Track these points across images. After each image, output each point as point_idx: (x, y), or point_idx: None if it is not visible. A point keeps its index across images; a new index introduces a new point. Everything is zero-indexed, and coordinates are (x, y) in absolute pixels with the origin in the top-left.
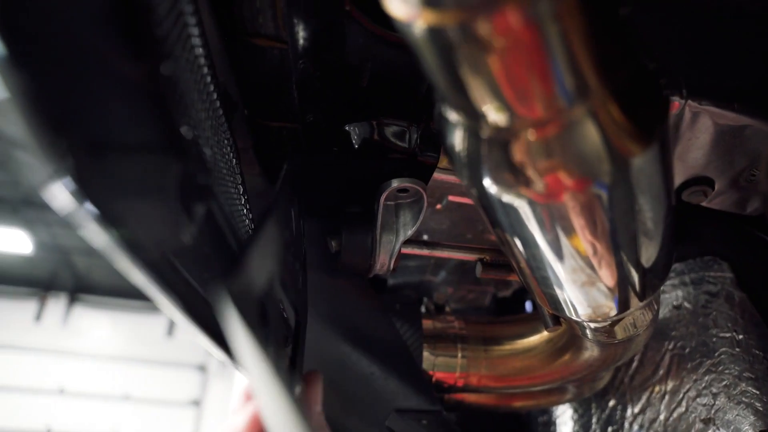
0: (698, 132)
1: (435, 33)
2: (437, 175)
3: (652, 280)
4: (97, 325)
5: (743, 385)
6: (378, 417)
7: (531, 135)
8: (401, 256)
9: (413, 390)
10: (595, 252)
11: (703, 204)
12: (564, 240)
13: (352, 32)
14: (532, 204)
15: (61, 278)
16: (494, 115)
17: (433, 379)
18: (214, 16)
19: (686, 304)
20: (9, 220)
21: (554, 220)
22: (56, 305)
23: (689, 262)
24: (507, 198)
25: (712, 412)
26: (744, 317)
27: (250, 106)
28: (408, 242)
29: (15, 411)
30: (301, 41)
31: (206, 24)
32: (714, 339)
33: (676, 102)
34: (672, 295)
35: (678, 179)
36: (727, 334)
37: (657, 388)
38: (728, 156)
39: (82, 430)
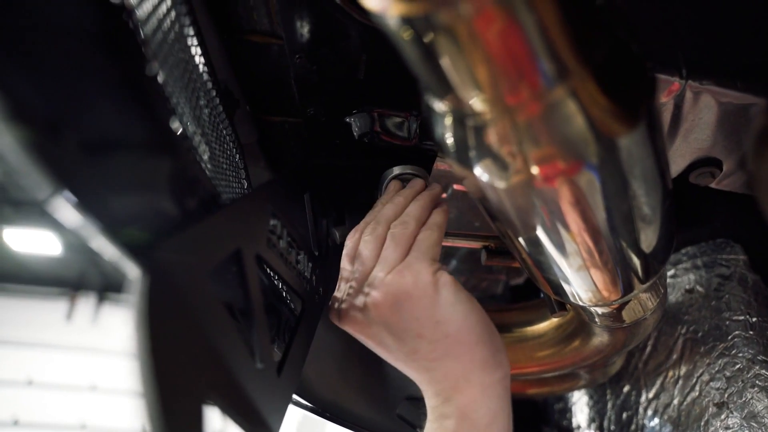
0: (701, 112)
1: (408, 23)
2: (440, 165)
3: (652, 262)
4: (125, 323)
5: (757, 368)
6: (388, 405)
7: (515, 119)
8: None
9: None
10: (590, 236)
11: (712, 185)
12: (559, 225)
13: (345, 25)
14: (524, 189)
15: (89, 278)
16: (476, 101)
17: None
18: (210, 15)
19: (699, 288)
20: (37, 222)
21: (548, 205)
22: (86, 304)
23: (701, 245)
24: (499, 185)
25: (726, 395)
26: (758, 300)
27: (252, 103)
28: None
29: (50, 407)
30: (295, 36)
31: (202, 24)
32: (727, 322)
33: (676, 83)
34: (684, 279)
35: (684, 161)
36: (741, 317)
37: (670, 373)
38: (735, 136)
39: (115, 426)
